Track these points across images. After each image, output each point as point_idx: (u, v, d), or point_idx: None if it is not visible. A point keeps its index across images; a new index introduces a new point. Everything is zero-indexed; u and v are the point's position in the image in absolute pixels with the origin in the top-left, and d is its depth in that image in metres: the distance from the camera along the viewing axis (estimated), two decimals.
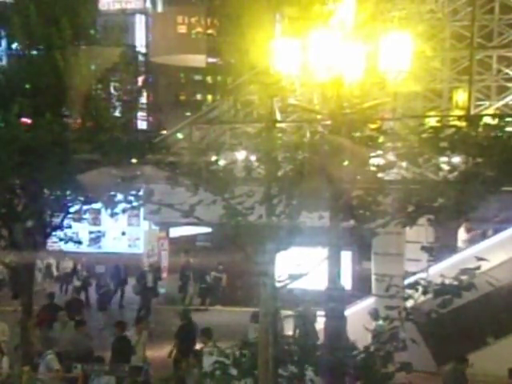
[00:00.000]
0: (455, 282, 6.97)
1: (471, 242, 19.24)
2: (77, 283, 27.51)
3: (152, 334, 18.19)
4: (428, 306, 7.40)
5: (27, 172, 14.01)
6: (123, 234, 33.10)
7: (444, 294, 6.87)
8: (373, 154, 7.42)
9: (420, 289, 6.95)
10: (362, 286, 19.76)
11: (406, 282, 7.43)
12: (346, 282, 22.21)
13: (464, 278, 6.99)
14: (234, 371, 7.83)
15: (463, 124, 7.80)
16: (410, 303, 7.68)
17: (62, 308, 18.99)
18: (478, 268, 7.06)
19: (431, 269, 15.31)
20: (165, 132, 21.86)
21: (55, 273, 30.18)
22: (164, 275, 29.85)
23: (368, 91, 7.95)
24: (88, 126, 15.16)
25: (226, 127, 18.03)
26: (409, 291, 7.09)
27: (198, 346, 13.98)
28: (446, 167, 7.25)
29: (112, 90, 16.42)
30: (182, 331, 16.23)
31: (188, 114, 40.07)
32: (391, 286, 7.27)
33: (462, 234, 20.33)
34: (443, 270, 13.54)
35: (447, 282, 6.99)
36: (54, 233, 16.09)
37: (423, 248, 8.54)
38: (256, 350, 7.49)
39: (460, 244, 20.16)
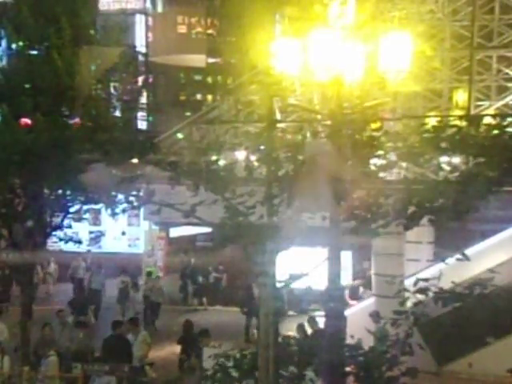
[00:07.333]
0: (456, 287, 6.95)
1: None
2: None
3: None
4: (428, 305, 7.38)
5: (27, 172, 14.01)
6: (123, 233, 33.11)
7: (455, 302, 6.86)
8: (373, 154, 7.41)
9: (431, 295, 6.92)
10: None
11: (416, 286, 7.35)
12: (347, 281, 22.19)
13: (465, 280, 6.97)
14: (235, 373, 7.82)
15: (463, 124, 7.78)
16: (409, 303, 7.66)
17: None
18: (492, 279, 7.04)
19: (432, 269, 15.27)
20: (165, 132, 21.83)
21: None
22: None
23: (368, 91, 7.94)
24: (88, 126, 15.15)
25: (226, 127, 17.99)
26: (420, 296, 7.04)
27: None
28: (446, 167, 7.24)
29: (112, 90, 16.42)
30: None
31: (188, 113, 39.98)
32: (400, 291, 7.23)
33: None
34: (444, 270, 13.52)
35: (449, 285, 6.96)
36: (53, 233, 16.08)
37: (437, 256, 8.49)
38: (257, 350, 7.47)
39: None
